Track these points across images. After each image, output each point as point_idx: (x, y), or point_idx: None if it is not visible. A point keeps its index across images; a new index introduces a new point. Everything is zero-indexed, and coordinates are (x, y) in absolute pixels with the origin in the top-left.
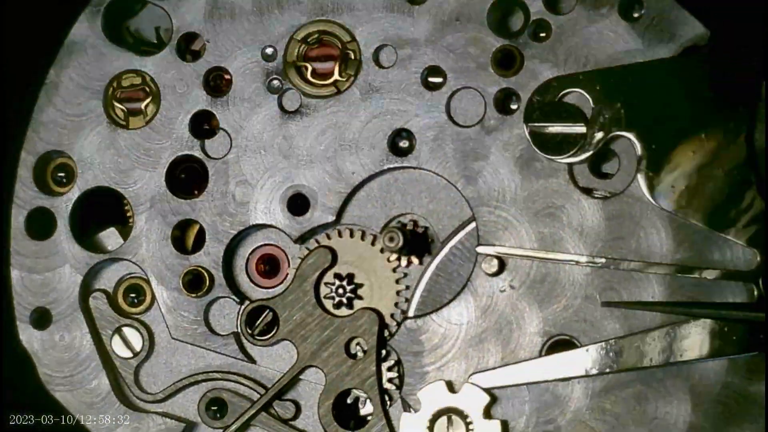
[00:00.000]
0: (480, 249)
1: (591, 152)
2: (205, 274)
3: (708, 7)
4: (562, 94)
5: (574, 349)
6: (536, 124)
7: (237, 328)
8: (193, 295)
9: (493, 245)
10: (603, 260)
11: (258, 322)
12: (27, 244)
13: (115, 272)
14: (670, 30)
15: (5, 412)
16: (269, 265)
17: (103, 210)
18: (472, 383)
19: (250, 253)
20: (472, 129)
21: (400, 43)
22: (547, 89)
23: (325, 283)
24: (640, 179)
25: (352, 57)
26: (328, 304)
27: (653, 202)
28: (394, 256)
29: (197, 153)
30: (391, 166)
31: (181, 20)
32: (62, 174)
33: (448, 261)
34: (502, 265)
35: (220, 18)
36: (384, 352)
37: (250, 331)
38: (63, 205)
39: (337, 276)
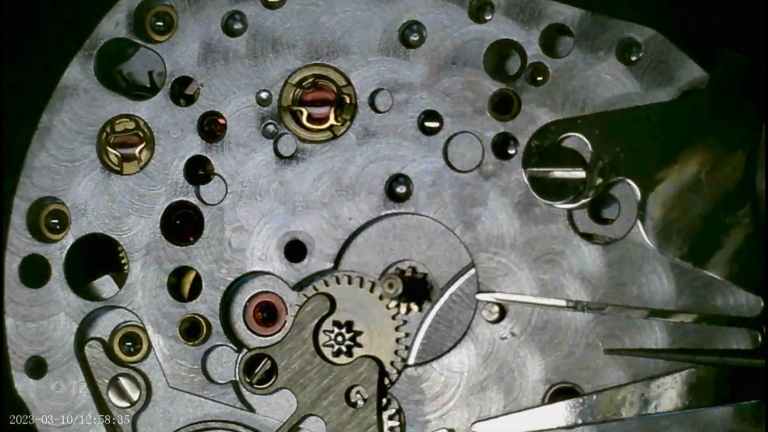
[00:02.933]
0: (480, 296)
1: (590, 197)
2: (203, 322)
3: (708, 49)
4: (560, 138)
5: (577, 397)
6: (535, 169)
7: (235, 376)
8: (191, 343)
9: (493, 292)
10: (605, 307)
11: (257, 369)
12: (21, 291)
13: (110, 320)
14: (669, 73)
15: (5, 412)
16: (267, 313)
17: (98, 256)
18: None
19: (248, 301)
20: (469, 174)
21: (395, 87)
22: (545, 133)
23: (324, 331)
24: (640, 225)
25: (348, 101)
26: (327, 351)
27: (654, 247)
28: (393, 303)
29: (192, 199)
30: (389, 212)
31: (174, 64)
32: (56, 221)
33: (448, 308)
34: (503, 312)
35: (213, 62)
36: (385, 400)
37: (248, 380)
38: (57, 252)
39: (336, 323)
